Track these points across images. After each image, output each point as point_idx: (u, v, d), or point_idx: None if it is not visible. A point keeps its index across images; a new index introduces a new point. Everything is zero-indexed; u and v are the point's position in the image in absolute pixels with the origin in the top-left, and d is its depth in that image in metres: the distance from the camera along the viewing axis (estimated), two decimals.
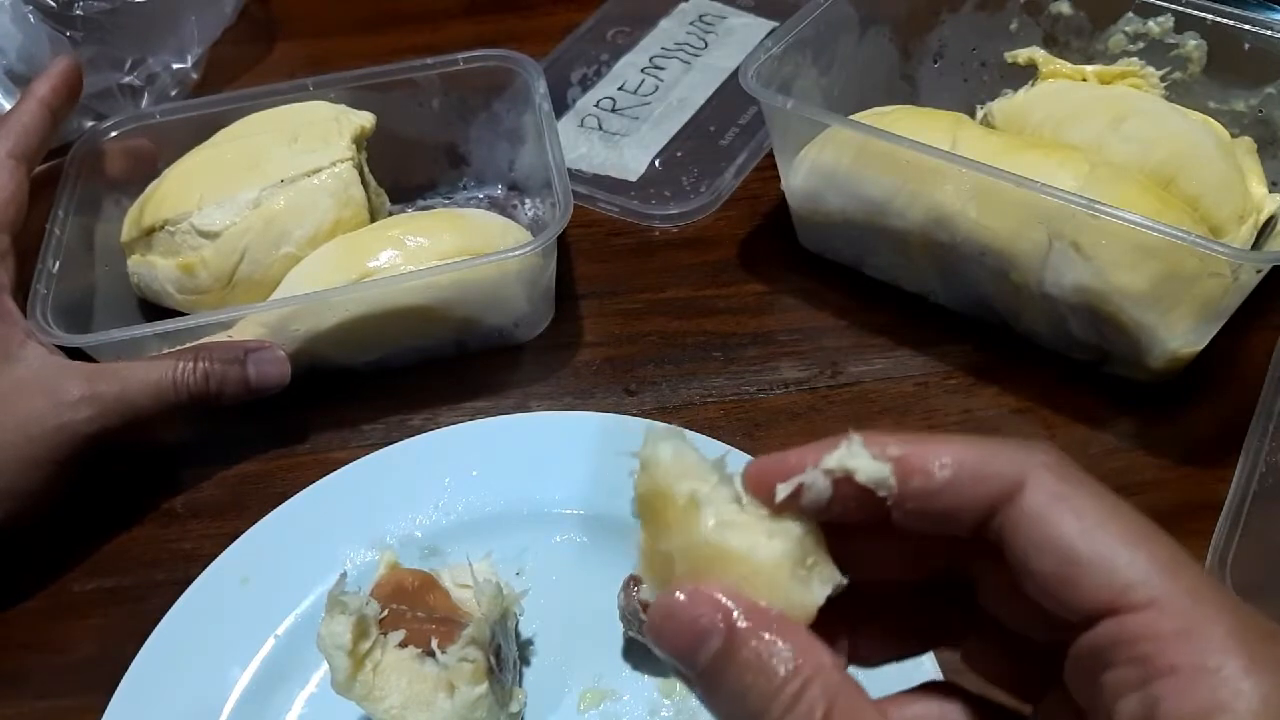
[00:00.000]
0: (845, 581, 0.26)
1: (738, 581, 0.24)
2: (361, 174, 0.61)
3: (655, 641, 0.25)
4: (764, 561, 0.24)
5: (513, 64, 0.65)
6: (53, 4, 0.69)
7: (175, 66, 0.74)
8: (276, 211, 0.57)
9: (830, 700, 0.23)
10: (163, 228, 0.58)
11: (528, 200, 0.68)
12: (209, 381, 0.53)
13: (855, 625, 0.29)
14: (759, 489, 0.26)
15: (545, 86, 0.64)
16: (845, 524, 0.26)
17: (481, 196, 0.69)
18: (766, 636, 0.24)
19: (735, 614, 0.24)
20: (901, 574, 0.29)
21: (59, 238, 0.57)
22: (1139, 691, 0.23)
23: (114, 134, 0.63)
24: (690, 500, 0.25)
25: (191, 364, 0.53)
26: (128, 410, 0.51)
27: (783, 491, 0.25)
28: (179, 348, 0.54)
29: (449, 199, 0.70)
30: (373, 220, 0.61)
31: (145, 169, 0.63)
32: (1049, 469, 0.25)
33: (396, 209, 0.66)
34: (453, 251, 0.56)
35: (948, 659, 0.39)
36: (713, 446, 0.52)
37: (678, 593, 0.24)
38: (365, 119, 0.62)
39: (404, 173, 0.67)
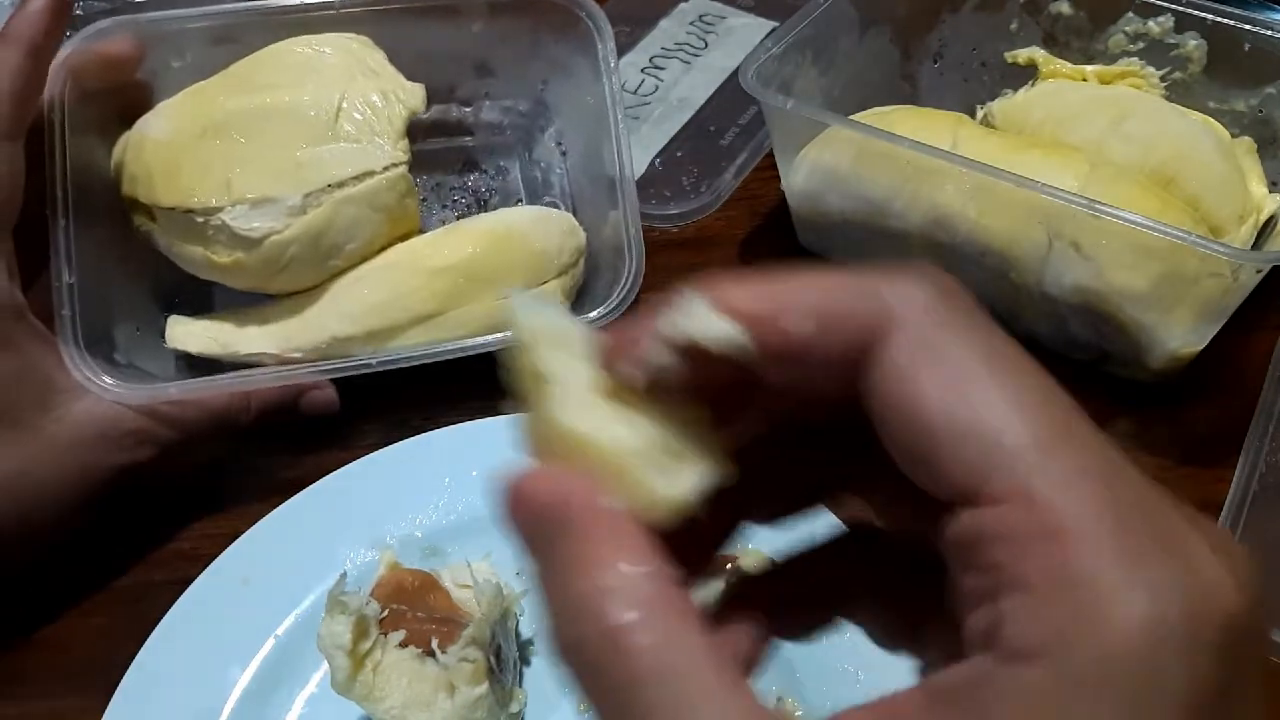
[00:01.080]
0: (724, 473, 0.22)
1: (589, 468, 0.21)
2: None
3: (501, 518, 0.22)
4: (614, 450, 0.21)
5: (577, 7, 0.60)
6: None
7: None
8: (325, 225, 0.53)
9: (632, 618, 0.20)
10: (185, 211, 0.52)
11: (550, 125, 0.66)
12: (259, 420, 0.54)
13: (752, 482, 0.24)
14: (611, 366, 0.22)
15: (614, 50, 0.59)
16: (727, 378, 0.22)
17: (506, 107, 0.67)
18: (583, 532, 0.21)
19: (570, 506, 0.21)
20: (806, 416, 0.24)
21: (65, 228, 0.50)
22: (986, 607, 0.19)
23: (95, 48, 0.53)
24: (541, 374, 0.22)
25: (246, 410, 0.53)
26: (176, 447, 0.52)
27: (631, 373, 0.22)
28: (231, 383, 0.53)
29: (466, 107, 0.67)
30: None
31: (130, 77, 0.55)
32: (920, 308, 0.20)
33: None
34: (521, 285, 0.55)
35: None
36: None
37: (527, 475, 0.22)
38: (416, 99, 0.56)
39: (420, 74, 0.58)
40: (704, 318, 0.21)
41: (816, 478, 0.26)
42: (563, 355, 0.22)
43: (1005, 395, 0.19)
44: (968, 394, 0.20)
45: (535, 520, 0.21)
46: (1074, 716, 0.18)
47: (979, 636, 0.19)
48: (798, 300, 0.21)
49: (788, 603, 0.25)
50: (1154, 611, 0.18)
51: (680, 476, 0.22)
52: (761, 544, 0.29)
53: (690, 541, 0.23)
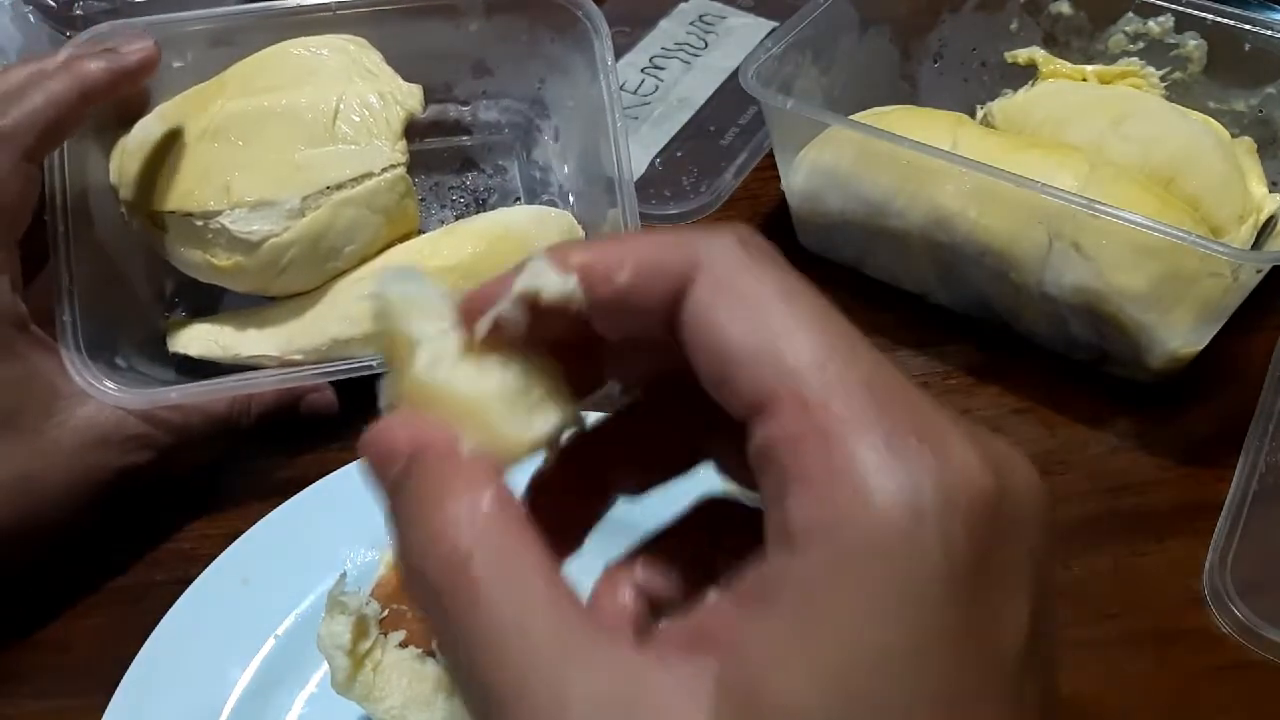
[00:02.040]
0: (576, 417, 0.25)
1: (449, 418, 0.24)
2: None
3: (362, 463, 0.24)
4: (472, 399, 0.24)
5: (574, 7, 0.60)
6: (53, 4, 0.69)
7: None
8: (324, 227, 0.53)
9: (473, 543, 0.21)
10: (184, 215, 0.52)
11: (548, 124, 0.67)
12: (259, 423, 0.54)
13: (629, 450, 0.27)
14: (469, 325, 0.24)
15: (611, 50, 0.59)
16: (597, 341, 0.25)
17: (504, 106, 0.67)
18: (433, 471, 0.22)
19: (420, 445, 0.23)
20: (660, 383, 0.26)
21: (64, 233, 0.51)
22: (776, 507, 0.21)
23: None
24: (408, 340, 0.24)
25: (247, 413, 0.54)
26: (178, 449, 0.52)
27: (481, 327, 0.24)
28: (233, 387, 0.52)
29: (464, 106, 0.67)
30: None
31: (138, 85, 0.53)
32: (725, 254, 0.23)
33: None
34: None
35: None
36: None
37: (385, 421, 0.24)
38: (413, 99, 0.56)
39: (418, 74, 0.58)
40: (543, 272, 0.23)
41: (677, 447, 0.27)
42: (428, 322, 0.25)
43: (790, 322, 0.22)
44: (758, 322, 0.22)
45: (391, 463, 0.23)
46: (844, 588, 0.19)
47: (773, 534, 0.21)
48: (621, 254, 0.23)
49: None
50: (910, 492, 0.19)
51: (532, 422, 0.24)
52: None
53: (563, 517, 0.26)
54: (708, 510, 0.27)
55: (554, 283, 0.23)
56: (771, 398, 0.21)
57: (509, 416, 0.24)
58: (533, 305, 0.23)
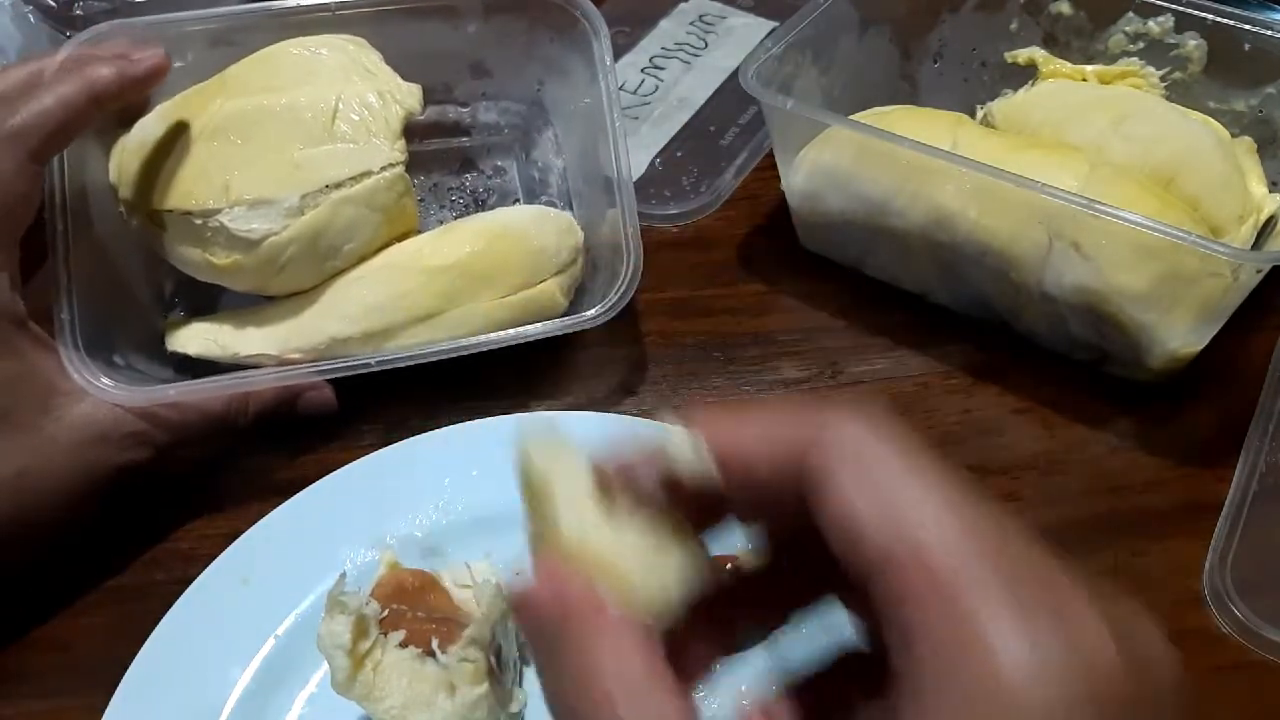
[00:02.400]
0: (708, 576, 0.27)
1: (591, 574, 0.25)
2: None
3: (515, 617, 0.26)
4: (613, 561, 0.25)
5: (573, 7, 0.60)
6: (53, 4, 0.69)
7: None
8: (323, 226, 0.53)
9: (624, 706, 0.23)
10: (183, 214, 0.52)
11: (547, 124, 0.67)
12: (256, 421, 0.54)
13: (756, 595, 0.29)
14: (606, 484, 0.27)
15: (610, 50, 0.59)
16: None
17: (504, 108, 0.67)
18: (583, 633, 0.24)
19: (570, 610, 0.24)
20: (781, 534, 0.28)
21: (63, 232, 0.51)
22: (901, 655, 0.22)
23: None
24: (550, 494, 0.26)
25: (244, 412, 0.54)
26: (176, 447, 0.52)
27: (620, 491, 0.26)
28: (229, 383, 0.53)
29: (464, 107, 0.67)
30: None
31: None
32: (853, 432, 0.24)
33: None
34: (519, 284, 0.56)
35: None
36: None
37: (535, 580, 0.26)
38: (412, 99, 0.56)
39: (417, 74, 0.58)
40: (684, 457, 0.25)
41: (803, 588, 0.29)
42: (568, 479, 0.27)
43: (913, 488, 0.23)
44: (883, 490, 0.23)
45: (540, 624, 0.25)
46: None
47: (898, 687, 0.22)
48: (755, 446, 0.25)
49: None
50: (1038, 668, 0.20)
51: (668, 583, 0.26)
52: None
53: (695, 652, 0.28)
54: (843, 659, 0.28)
55: (691, 463, 0.25)
56: (892, 557, 0.22)
57: (647, 578, 0.25)
58: (671, 478, 0.26)
